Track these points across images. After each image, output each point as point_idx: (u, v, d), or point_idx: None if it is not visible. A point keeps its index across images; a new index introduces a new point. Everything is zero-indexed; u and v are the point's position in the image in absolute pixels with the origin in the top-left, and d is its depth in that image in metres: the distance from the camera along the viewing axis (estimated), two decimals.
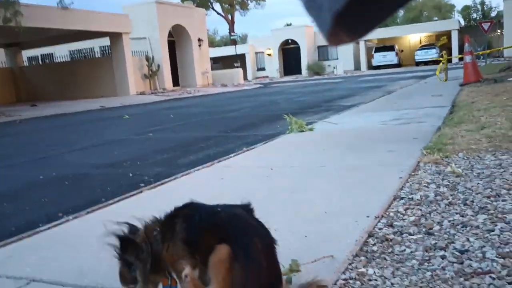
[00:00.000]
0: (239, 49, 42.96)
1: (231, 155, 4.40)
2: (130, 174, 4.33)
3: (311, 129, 5.51)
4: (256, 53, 44.93)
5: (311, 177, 3.18)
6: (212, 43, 51.94)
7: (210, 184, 3.29)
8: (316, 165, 3.53)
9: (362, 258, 1.81)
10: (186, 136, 6.89)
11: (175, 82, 26.19)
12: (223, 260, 1.20)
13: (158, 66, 24.12)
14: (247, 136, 6.27)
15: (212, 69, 30.56)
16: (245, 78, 36.24)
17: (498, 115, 4.98)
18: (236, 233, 1.28)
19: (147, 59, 23.67)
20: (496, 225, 1.96)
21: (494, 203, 2.27)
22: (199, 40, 27.66)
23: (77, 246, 2.19)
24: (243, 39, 59.67)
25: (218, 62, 39.87)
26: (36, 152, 6.49)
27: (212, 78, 29.21)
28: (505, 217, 2.04)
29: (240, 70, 31.99)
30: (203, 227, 1.30)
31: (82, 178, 4.44)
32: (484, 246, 1.78)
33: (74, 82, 23.03)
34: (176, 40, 26.83)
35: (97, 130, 9.33)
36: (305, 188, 2.91)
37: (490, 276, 1.54)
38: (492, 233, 1.89)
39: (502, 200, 2.29)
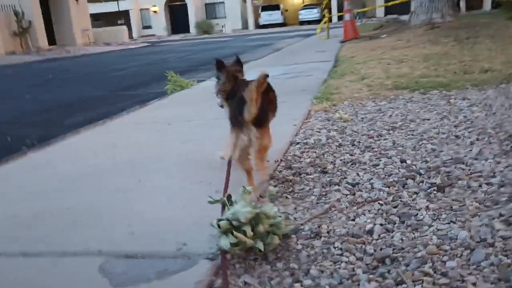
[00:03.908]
0: (122, 5, 40.36)
1: (123, 112, 4.20)
2: (8, 138, 3.91)
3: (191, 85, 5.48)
4: (141, 9, 42.52)
5: (209, 129, 3.18)
6: None
7: (100, 142, 3.11)
8: (212, 118, 3.52)
9: (266, 199, 1.88)
10: (70, 97, 6.37)
11: (51, 41, 23.71)
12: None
13: (30, 22, 21.56)
14: (139, 94, 6.00)
15: (93, 26, 28.24)
16: (131, 37, 34.20)
17: (375, 67, 5.45)
18: None
19: (16, 14, 20.95)
20: (380, 160, 2.18)
21: (377, 142, 2.50)
22: None
23: None
24: None
25: (100, 20, 36.92)
26: None
27: (94, 36, 27.05)
28: (387, 153, 2.28)
29: (125, 28, 30.18)
30: None
31: None
32: (371, 179, 1.97)
33: None
34: None
35: None
36: (201, 139, 2.91)
37: (379, 203, 1.71)
38: (377, 167, 2.10)
39: (384, 139, 2.54)
